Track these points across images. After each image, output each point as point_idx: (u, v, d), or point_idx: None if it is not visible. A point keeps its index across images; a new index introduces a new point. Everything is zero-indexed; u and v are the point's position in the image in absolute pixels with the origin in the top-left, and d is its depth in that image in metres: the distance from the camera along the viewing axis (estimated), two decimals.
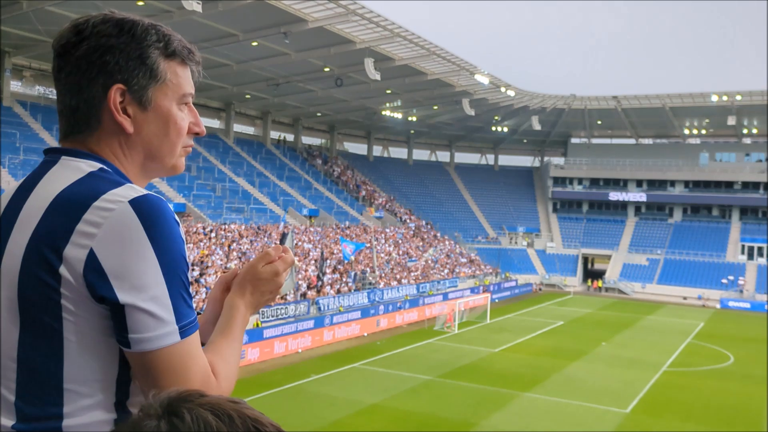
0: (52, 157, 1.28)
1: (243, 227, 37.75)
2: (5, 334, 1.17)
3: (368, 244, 41.31)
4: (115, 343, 1.17)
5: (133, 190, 1.18)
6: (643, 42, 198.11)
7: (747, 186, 62.17)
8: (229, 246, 34.49)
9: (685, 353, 32.35)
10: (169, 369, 1.16)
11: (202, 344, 1.48)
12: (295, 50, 37.60)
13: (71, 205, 1.15)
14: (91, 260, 1.12)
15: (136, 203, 1.15)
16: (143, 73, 1.25)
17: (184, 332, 1.18)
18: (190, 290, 1.23)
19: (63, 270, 1.13)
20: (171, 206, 1.23)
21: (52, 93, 42.02)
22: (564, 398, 22.90)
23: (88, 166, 1.23)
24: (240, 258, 33.37)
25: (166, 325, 1.15)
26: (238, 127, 54.51)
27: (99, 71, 1.23)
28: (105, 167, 1.25)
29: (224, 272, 1.52)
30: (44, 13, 29.77)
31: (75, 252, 1.12)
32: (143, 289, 1.13)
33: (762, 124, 60.79)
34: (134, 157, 1.30)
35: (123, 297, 1.12)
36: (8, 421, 1.16)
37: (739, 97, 53.24)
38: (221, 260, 32.39)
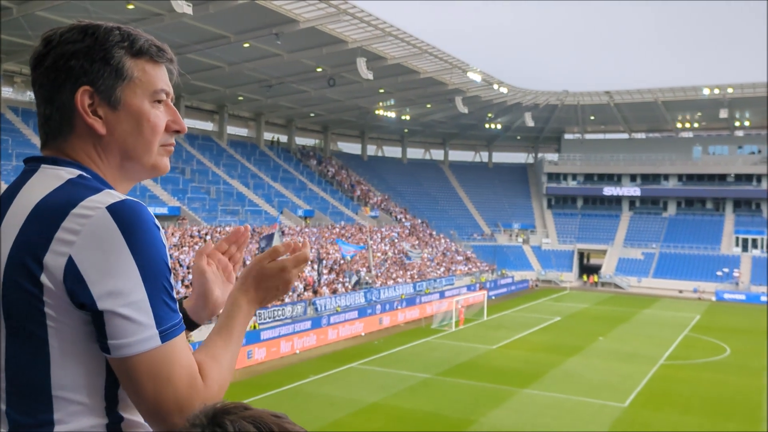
0: (31, 166, 1.29)
1: (230, 228, 37.64)
2: None
3: (366, 246, 41.32)
4: (93, 343, 1.18)
5: (111, 196, 1.19)
6: (633, 37, 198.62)
7: (740, 178, 62.43)
8: None
9: (682, 346, 32.46)
10: (150, 373, 1.16)
11: (193, 324, 1.48)
12: (287, 51, 37.57)
13: (50, 213, 1.16)
14: (71, 267, 1.12)
15: (114, 209, 1.16)
16: (108, 73, 1.26)
17: (165, 336, 1.17)
18: (174, 295, 1.22)
19: (44, 278, 1.13)
20: (153, 211, 1.23)
21: None
22: (562, 393, 22.95)
23: (67, 173, 1.24)
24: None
25: (145, 329, 1.15)
26: (232, 129, 54.45)
27: (66, 77, 1.25)
28: (84, 174, 1.25)
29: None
30: (35, 19, 29.69)
31: (54, 260, 1.13)
32: (121, 295, 1.13)
33: (754, 116, 61.03)
34: (111, 159, 1.31)
35: (102, 304, 1.13)
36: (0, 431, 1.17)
37: (730, 90, 53.42)
38: None
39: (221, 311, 1.40)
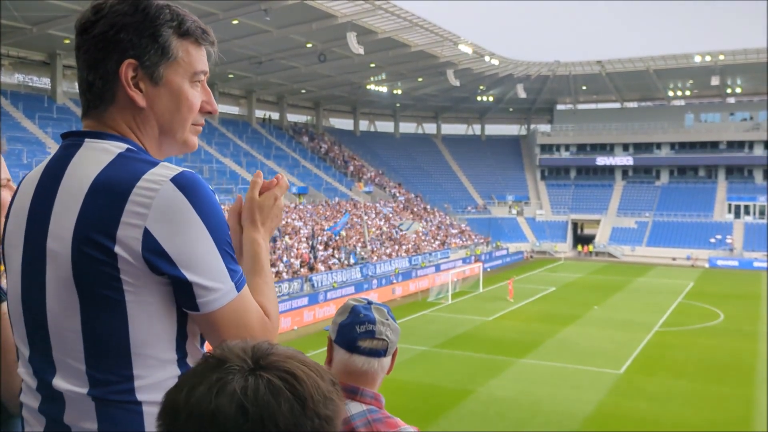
0: (73, 140, 1.33)
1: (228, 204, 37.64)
2: (65, 311, 1.24)
3: (351, 215, 41.26)
4: (172, 305, 1.27)
5: (169, 168, 1.25)
6: (624, 4, 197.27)
7: (732, 145, 62.55)
8: None
9: (676, 313, 32.80)
10: (232, 322, 1.28)
11: None
12: (276, 27, 37.22)
13: (114, 188, 1.22)
14: (148, 240, 1.20)
15: (177, 180, 1.23)
16: (155, 50, 1.31)
17: (239, 286, 1.29)
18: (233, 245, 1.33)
19: (119, 249, 1.20)
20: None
21: (32, 81, 41.52)
22: (559, 362, 23.23)
23: (114, 147, 1.29)
24: None
25: (224, 285, 1.26)
26: (223, 108, 54.09)
27: (113, 48, 1.29)
28: (130, 146, 1.31)
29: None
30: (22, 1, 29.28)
31: (129, 232, 1.19)
32: (202, 261, 1.23)
33: (746, 83, 60.99)
34: (148, 131, 1.36)
35: (190, 276, 1.22)
36: (82, 389, 1.24)
37: (722, 57, 53.29)
38: None
39: (244, 254, 1.47)
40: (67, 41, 37.45)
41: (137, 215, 1.19)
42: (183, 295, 1.25)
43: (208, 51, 1.41)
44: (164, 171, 1.24)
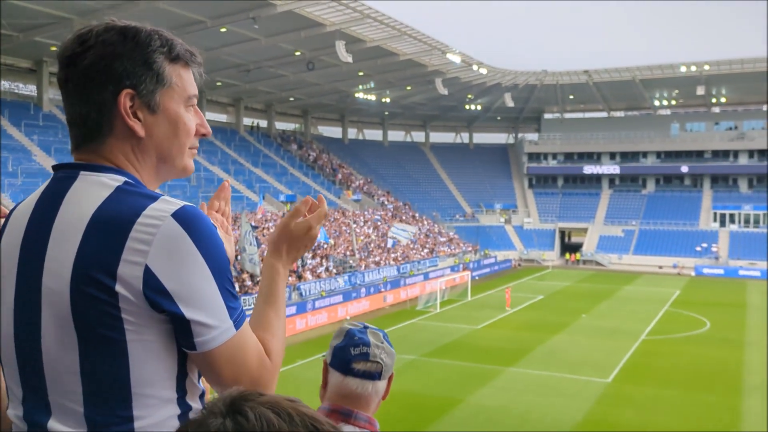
0: (67, 173, 1.30)
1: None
2: (62, 351, 1.20)
3: (340, 223, 41.26)
4: (173, 343, 1.24)
5: (169, 202, 1.23)
6: (611, 14, 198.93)
7: (717, 154, 63.16)
8: None
9: (663, 321, 32.97)
10: (228, 360, 1.25)
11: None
12: (264, 35, 37.22)
13: (114, 224, 1.19)
14: (149, 277, 1.17)
15: (178, 215, 1.20)
16: (150, 77, 1.29)
17: (237, 324, 1.26)
18: (234, 282, 1.31)
19: (119, 288, 1.16)
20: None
21: (18, 88, 41.21)
22: (547, 371, 23.26)
23: (112, 180, 1.26)
24: None
25: (223, 323, 1.23)
26: (211, 115, 53.99)
27: (108, 78, 1.26)
28: (128, 179, 1.27)
29: None
30: (8, 6, 29.10)
31: (129, 270, 1.16)
32: (202, 299, 1.21)
33: (730, 92, 61.67)
34: (147, 161, 1.33)
35: (189, 314, 1.20)
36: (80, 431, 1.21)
37: (707, 67, 53.85)
38: None
39: (261, 279, 1.47)
40: (53, 48, 37.22)
41: (138, 252, 1.17)
42: (181, 334, 1.22)
43: (194, 72, 1.40)
44: (165, 206, 1.21)
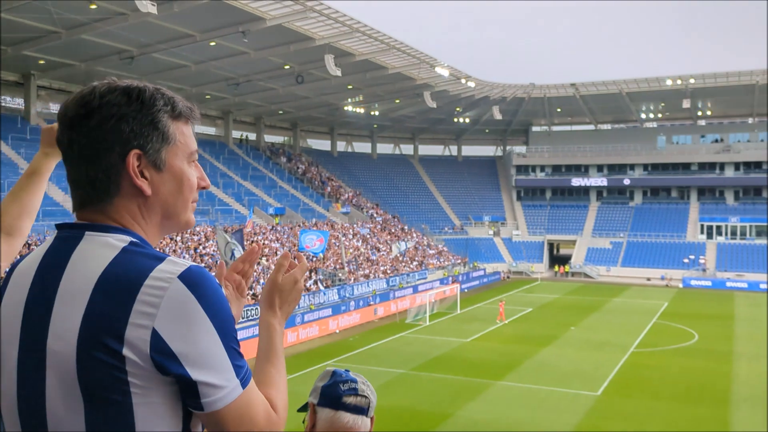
0: (71, 232, 1.30)
1: (209, 229, 37.41)
2: (68, 414, 1.19)
3: (331, 233, 41.18)
4: (178, 404, 1.24)
5: (175, 263, 1.23)
6: (598, 27, 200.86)
7: (703, 167, 63.69)
8: (195, 249, 34.16)
9: (652, 333, 33.08)
10: (236, 418, 1.26)
11: None
12: (254, 49, 37.28)
13: (121, 286, 1.19)
14: (156, 341, 1.17)
15: (185, 278, 1.21)
16: (156, 137, 1.31)
17: (244, 382, 1.27)
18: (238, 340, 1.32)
19: (127, 351, 1.16)
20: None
21: (5, 101, 41.00)
22: (537, 384, 23.26)
23: (118, 240, 1.26)
24: (203, 258, 33.08)
25: (229, 383, 1.24)
26: (199, 128, 53.83)
27: (115, 140, 1.27)
28: (133, 239, 1.28)
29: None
30: None
31: (136, 333, 1.17)
32: (209, 361, 1.21)
33: (715, 105, 62.35)
34: (153, 218, 1.35)
35: (196, 375, 1.20)
36: None
37: (692, 81, 54.43)
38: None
39: (259, 338, 1.49)
40: (42, 62, 37.14)
41: (146, 315, 1.17)
42: (188, 395, 1.22)
43: (194, 126, 1.42)
44: (171, 267, 1.22)
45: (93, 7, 28.80)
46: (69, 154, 1.30)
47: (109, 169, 1.28)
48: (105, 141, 1.26)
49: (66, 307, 1.20)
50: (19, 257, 1.43)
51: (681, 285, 52.37)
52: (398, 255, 46.72)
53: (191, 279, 1.21)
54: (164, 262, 1.23)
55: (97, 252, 1.24)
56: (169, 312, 1.18)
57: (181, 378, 1.19)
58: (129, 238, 1.27)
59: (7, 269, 1.37)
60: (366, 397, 1.85)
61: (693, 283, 52.47)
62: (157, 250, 1.30)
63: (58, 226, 1.33)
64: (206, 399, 1.21)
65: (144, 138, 1.29)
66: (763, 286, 48.68)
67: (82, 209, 1.32)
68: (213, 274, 1.61)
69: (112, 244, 1.25)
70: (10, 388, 1.25)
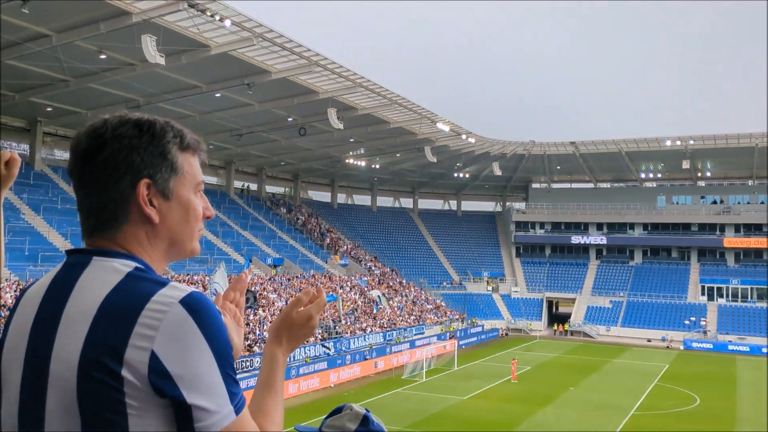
0: (79, 258, 1.35)
1: (206, 278, 37.19)
2: None
3: (327, 289, 40.97)
4: (173, 427, 1.25)
5: (177, 289, 1.27)
6: (596, 87, 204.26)
7: (704, 228, 63.75)
8: None
9: (653, 396, 32.52)
10: None
11: None
12: (258, 101, 37.80)
13: (123, 310, 1.23)
14: (154, 363, 1.20)
15: (186, 303, 1.24)
16: (166, 167, 1.37)
17: (238, 409, 1.28)
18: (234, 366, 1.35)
19: (126, 373, 1.20)
20: None
21: (11, 147, 41.30)
22: None
23: (123, 265, 1.31)
24: None
25: (223, 408, 1.26)
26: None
27: (126, 170, 1.33)
28: (139, 265, 1.32)
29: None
30: (5, 67, 29.37)
31: (136, 355, 1.20)
32: (204, 385, 1.23)
33: (714, 167, 62.84)
34: (159, 245, 1.40)
35: (191, 399, 1.22)
36: None
37: (692, 142, 54.98)
38: None
39: (261, 367, 1.52)
40: (49, 109, 37.60)
41: (145, 338, 1.20)
42: (182, 419, 1.24)
43: (200, 159, 1.47)
44: (173, 292, 1.25)
45: (102, 57, 29.30)
46: (80, 183, 1.36)
47: (119, 198, 1.34)
48: (116, 171, 1.33)
49: (70, 329, 1.24)
50: (31, 281, 1.46)
51: (682, 347, 51.77)
52: (377, 301, 46.17)
53: (192, 304, 1.24)
54: (166, 287, 1.27)
55: (103, 277, 1.29)
56: (168, 335, 1.21)
57: (176, 401, 1.21)
58: (134, 264, 1.32)
59: (18, 293, 1.41)
60: None
61: (694, 345, 51.88)
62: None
63: (68, 252, 1.39)
64: (198, 423, 1.23)
65: (154, 168, 1.35)
66: (764, 350, 48.10)
67: (92, 236, 1.38)
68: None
69: (118, 269, 1.30)
70: (12, 407, 1.30)
